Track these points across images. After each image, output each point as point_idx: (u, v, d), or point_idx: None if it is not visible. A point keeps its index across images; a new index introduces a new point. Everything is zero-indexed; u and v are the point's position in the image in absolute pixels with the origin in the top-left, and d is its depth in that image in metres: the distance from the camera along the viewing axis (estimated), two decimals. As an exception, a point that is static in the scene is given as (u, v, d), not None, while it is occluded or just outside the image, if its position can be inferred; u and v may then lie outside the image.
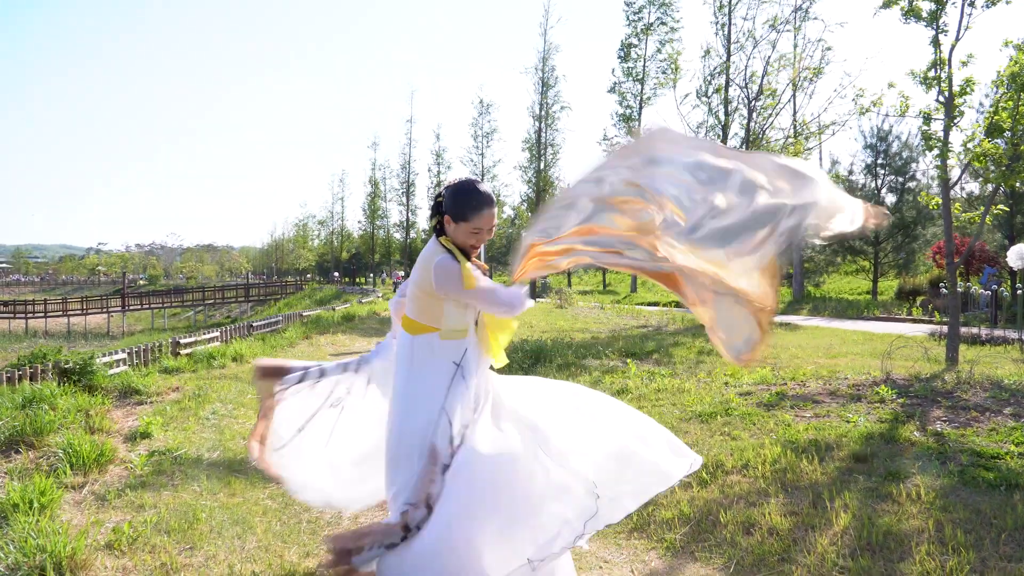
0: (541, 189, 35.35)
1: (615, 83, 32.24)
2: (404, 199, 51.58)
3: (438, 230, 2.67)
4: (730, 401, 5.95)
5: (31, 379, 7.73)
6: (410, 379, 2.69)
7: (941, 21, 9.25)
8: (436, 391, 2.63)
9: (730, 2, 16.76)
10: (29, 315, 43.76)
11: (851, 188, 26.52)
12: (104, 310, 47.18)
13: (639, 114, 32.83)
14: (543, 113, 34.40)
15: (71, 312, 45.14)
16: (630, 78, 32.15)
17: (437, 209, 2.66)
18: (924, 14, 9.41)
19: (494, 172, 43.00)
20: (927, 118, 9.47)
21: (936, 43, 9.26)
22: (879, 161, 26.23)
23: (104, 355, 9.31)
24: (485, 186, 2.64)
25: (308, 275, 63.98)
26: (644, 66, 31.38)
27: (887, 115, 26.19)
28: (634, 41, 31.17)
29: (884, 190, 26.36)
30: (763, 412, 5.58)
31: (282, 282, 60.42)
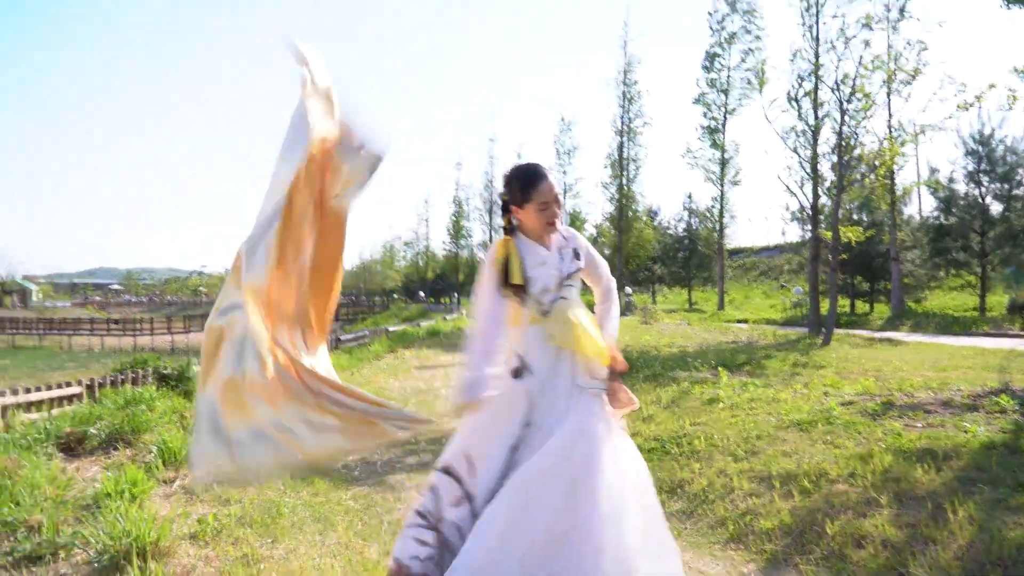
0: (624, 205, 34.98)
1: (700, 95, 31.50)
2: (486, 218, 52.06)
3: (508, 229, 2.61)
4: (831, 410, 5.58)
5: (133, 383, 8.03)
6: None
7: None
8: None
9: (817, 2, 16.16)
10: (137, 333, 46.12)
11: (954, 196, 25.06)
12: (204, 328, 49.06)
13: (724, 125, 32.03)
14: (625, 128, 34.13)
15: (175, 331, 47.31)
16: (714, 88, 31.42)
17: (505, 208, 2.61)
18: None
19: (576, 189, 42.93)
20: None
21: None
22: (982, 167, 24.65)
23: (198, 361, 9.61)
24: (531, 163, 2.59)
25: (394, 295, 65.28)
26: (729, 76, 30.61)
27: (988, 119, 24.74)
28: (718, 51, 30.48)
29: (989, 198, 24.73)
30: (868, 421, 5.20)
31: (370, 302, 61.73)
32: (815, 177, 15.93)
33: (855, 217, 26.23)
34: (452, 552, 2.34)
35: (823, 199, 15.84)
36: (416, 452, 5.94)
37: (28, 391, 6.79)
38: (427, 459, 5.67)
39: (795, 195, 16.43)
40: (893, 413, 5.41)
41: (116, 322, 49.43)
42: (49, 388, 7.12)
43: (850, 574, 3.16)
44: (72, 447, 5.43)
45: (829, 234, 14.73)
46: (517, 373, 2.50)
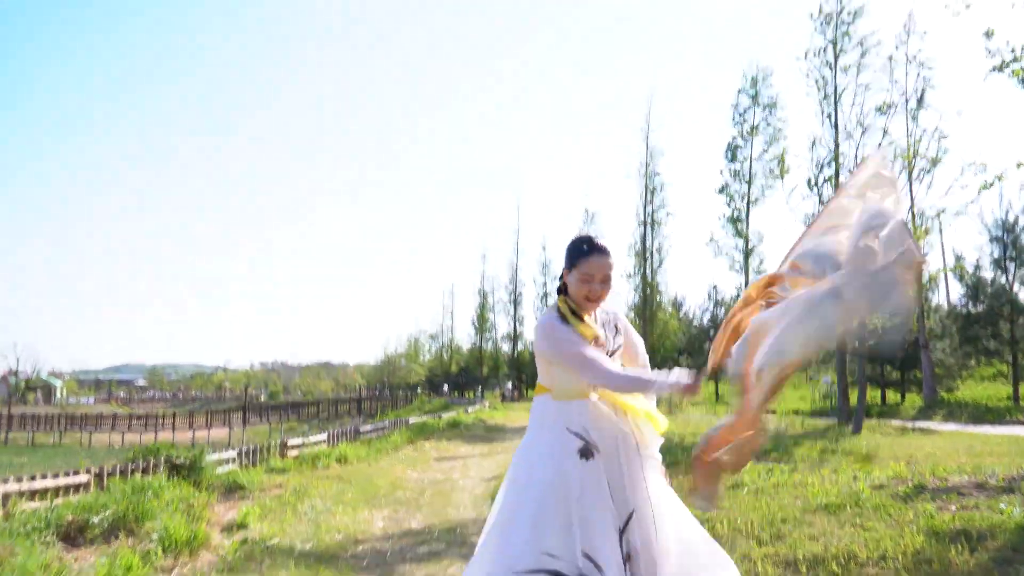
0: (647, 296, 34.96)
1: (723, 185, 31.89)
2: (512, 309, 52.19)
3: (560, 289, 2.56)
4: (860, 492, 5.33)
5: (143, 472, 7.91)
6: (526, 443, 2.53)
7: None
8: (547, 459, 2.39)
9: (835, 91, 16.50)
10: (159, 428, 46.08)
11: (981, 283, 24.78)
12: (226, 424, 49.17)
13: (747, 215, 32.23)
14: (648, 219, 34.49)
15: (196, 427, 47.24)
16: (737, 179, 31.77)
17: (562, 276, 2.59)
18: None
19: (600, 281, 43.06)
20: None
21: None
22: (1008, 254, 24.43)
23: (213, 452, 9.48)
24: (595, 237, 2.51)
25: (418, 389, 65.00)
26: (751, 167, 30.99)
27: (1010, 206, 24.69)
28: (740, 142, 30.98)
29: (1016, 284, 24.39)
30: (899, 504, 4.94)
31: (393, 396, 61.48)
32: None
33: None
34: None
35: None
36: (428, 541, 5.73)
37: (32, 478, 6.68)
38: (439, 548, 5.46)
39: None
40: (925, 496, 5.15)
41: (138, 418, 49.52)
42: (56, 476, 7.02)
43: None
44: (73, 536, 5.29)
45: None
46: (586, 453, 2.36)
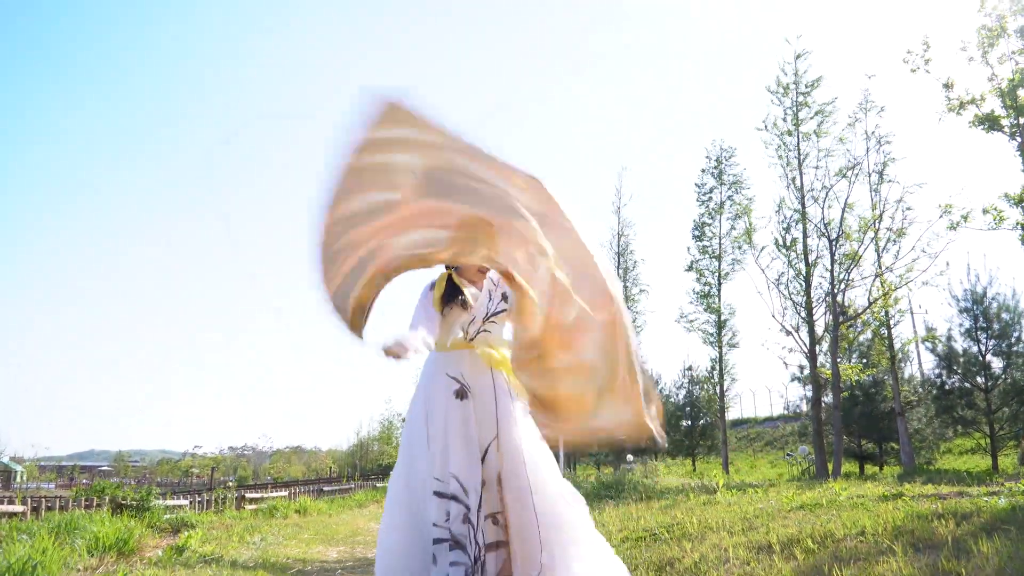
0: (623, 371, 34.70)
1: (692, 262, 32.27)
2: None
3: (448, 266, 3.05)
4: (838, 495, 5.07)
5: (86, 507, 7.42)
6: (418, 386, 3.04)
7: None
8: (432, 399, 2.92)
9: (799, 157, 16.89)
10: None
11: (953, 354, 24.89)
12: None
13: (718, 290, 32.50)
14: (622, 296, 34.55)
15: (158, 509, 45.53)
16: (706, 255, 32.20)
17: None
18: (1004, 127, 9.08)
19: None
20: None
21: (1024, 153, 8.83)
22: (979, 325, 24.68)
23: (162, 497, 8.98)
24: None
25: (391, 472, 63.17)
26: (720, 243, 31.47)
27: (977, 278, 25.11)
28: (707, 220, 31.58)
29: (989, 355, 24.55)
30: (878, 503, 4.69)
31: (365, 478, 59.70)
32: (810, 320, 15.86)
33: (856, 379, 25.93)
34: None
35: (820, 333, 15.76)
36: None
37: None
38: None
39: (791, 334, 16.30)
40: (905, 497, 4.90)
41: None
42: (-11, 502, 6.56)
43: (865, 617, 2.65)
44: None
45: (828, 372, 14.43)
46: (461, 394, 2.84)
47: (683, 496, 7.14)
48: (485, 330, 2.97)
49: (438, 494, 2.69)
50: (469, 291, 2.98)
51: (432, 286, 3.02)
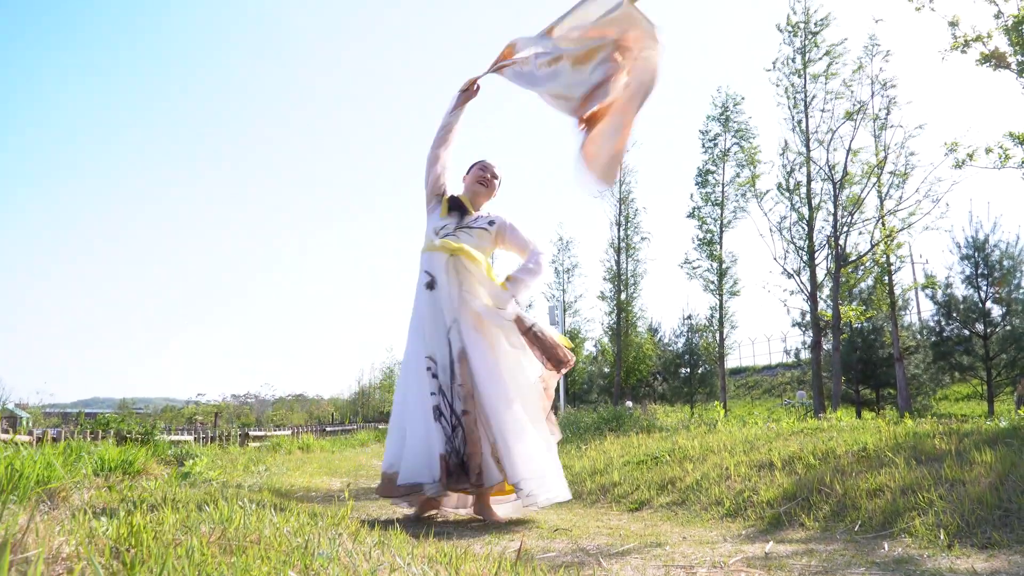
0: (623, 319, 34.76)
1: (694, 208, 32.09)
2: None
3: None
4: (840, 420, 5.09)
5: (93, 438, 7.49)
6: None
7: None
8: (416, 291, 3.55)
9: (805, 99, 16.64)
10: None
11: (952, 301, 24.92)
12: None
13: (720, 238, 32.33)
14: (623, 244, 34.43)
15: (163, 453, 46.19)
16: (709, 203, 31.93)
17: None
18: (1011, 64, 8.86)
19: (576, 307, 42.80)
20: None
21: (1034, 89, 8.64)
22: (980, 272, 24.62)
23: (166, 431, 9.07)
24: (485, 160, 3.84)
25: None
26: (723, 191, 31.22)
27: (980, 225, 24.99)
28: (711, 167, 31.25)
29: (988, 302, 24.55)
30: (884, 428, 4.72)
31: (367, 422, 60.37)
32: (812, 264, 15.84)
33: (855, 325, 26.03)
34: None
35: (821, 279, 15.73)
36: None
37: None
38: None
39: (793, 276, 16.26)
40: (907, 424, 4.93)
41: (105, 445, 48.19)
42: (-7, 430, 6.61)
43: (864, 521, 2.67)
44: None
45: (829, 314, 14.44)
46: (430, 286, 3.43)
47: (684, 430, 7.20)
48: (453, 235, 3.52)
49: (428, 370, 3.31)
50: (462, 208, 3.67)
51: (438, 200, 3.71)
